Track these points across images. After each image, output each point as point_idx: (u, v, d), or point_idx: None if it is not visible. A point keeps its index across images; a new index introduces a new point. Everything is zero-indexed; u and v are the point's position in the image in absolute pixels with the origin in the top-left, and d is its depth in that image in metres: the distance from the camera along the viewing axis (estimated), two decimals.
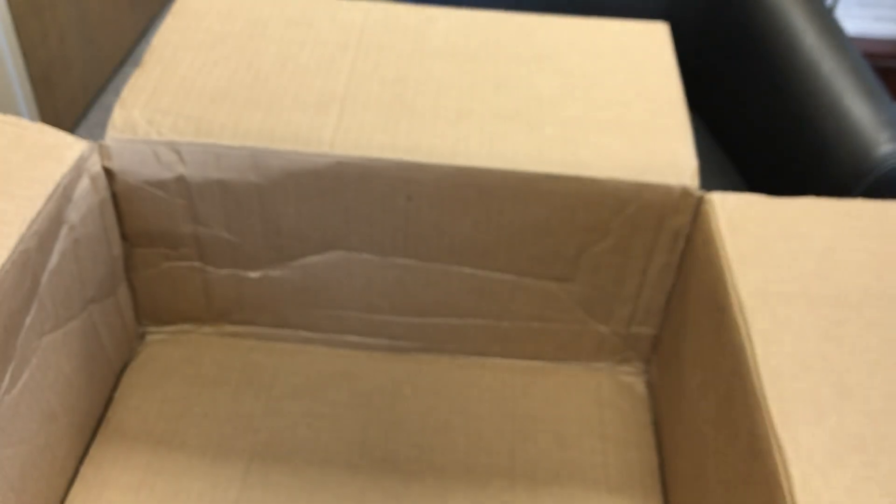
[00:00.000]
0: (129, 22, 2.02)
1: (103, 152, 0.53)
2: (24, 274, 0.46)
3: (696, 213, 0.54)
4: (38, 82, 1.72)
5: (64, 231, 0.50)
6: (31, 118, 1.71)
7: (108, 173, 0.54)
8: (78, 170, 0.51)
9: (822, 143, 0.87)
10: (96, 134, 1.94)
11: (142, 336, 0.64)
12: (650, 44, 0.64)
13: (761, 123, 1.00)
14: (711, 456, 0.47)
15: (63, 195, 0.50)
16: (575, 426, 0.61)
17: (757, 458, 0.39)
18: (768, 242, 0.48)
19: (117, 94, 2.10)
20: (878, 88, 0.86)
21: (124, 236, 0.58)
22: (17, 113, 1.66)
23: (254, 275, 0.60)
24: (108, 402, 0.59)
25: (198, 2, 0.64)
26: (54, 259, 0.50)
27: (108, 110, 2.11)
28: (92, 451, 0.56)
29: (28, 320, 0.48)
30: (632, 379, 0.64)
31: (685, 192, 0.53)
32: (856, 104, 0.85)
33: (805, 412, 0.39)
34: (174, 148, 0.53)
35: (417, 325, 0.63)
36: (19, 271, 0.46)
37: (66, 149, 0.51)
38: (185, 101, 0.55)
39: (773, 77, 0.97)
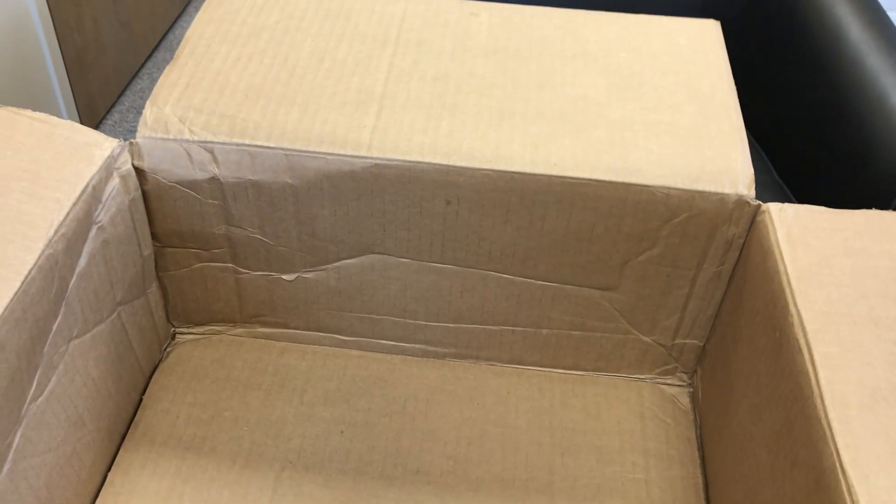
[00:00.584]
0: (162, 7, 2.01)
1: (134, 151, 0.52)
2: (51, 279, 0.45)
3: (751, 224, 0.52)
4: (73, 66, 1.72)
5: (93, 232, 0.49)
6: (66, 102, 1.71)
7: (139, 172, 0.53)
8: (108, 169, 0.50)
9: (865, 141, 0.83)
10: (129, 118, 1.94)
11: (172, 336, 0.62)
12: (701, 42, 0.61)
13: (802, 119, 0.96)
14: (767, 484, 0.44)
15: (92, 196, 0.48)
16: (616, 440, 0.58)
17: (822, 494, 0.37)
18: (830, 258, 0.46)
19: (151, 78, 2.11)
20: None
21: (155, 236, 0.56)
22: (51, 96, 1.66)
23: (287, 277, 0.59)
24: (137, 405, 0.58)
25: None
26: (83, 261, 0.48)
27: (141, 95, 2.11)
28: (120, 456, 0.55)
29: (55, 325, 0.46)
30: (675, 391, 0.62)
31: (740, 202, 0.51)
32: None
33: (876, 447, 0.36)
34: (207, 147, 0.51)
35: (453, 330, 0.61)
36: (46, 276, 0.44)
37: (95, 147, 0.49)
38: (218, 97, 0.53)
39: (815, 71, 0.94)
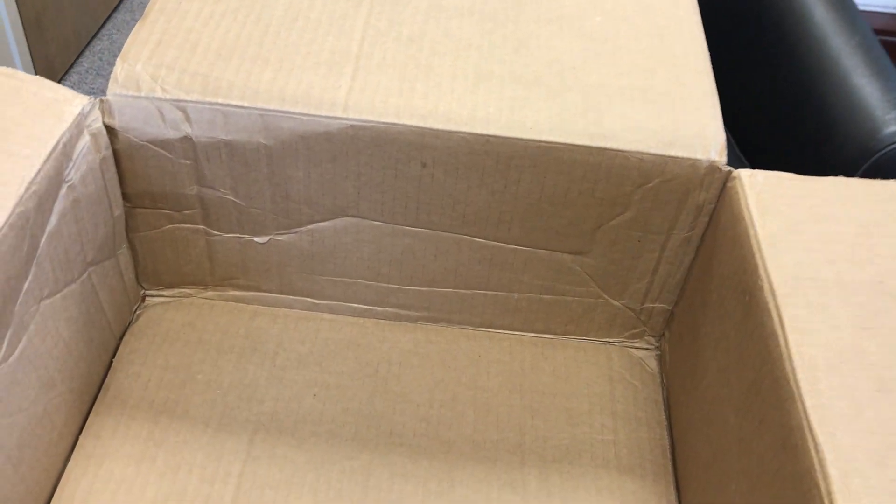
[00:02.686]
0: None
1: (104, 109, 0.51)
2: (23, 237, 0.44)
3: (721, 189, 0.52)
4: (30, 26, 1.68)
5: (63, 191, 0.48)
6: (23, 63, 1.66)
7: (110, 131, 0.52)
8: (78, 127, 0.49)
9: (828, 119, 0.85)
10: (88, 80, 1.89)
11: (142, 299, 0.62)
12: (675, 7, 0.61)
13: (765, 97, 0.97)
14: (734, 444, 0.45)
15: (63, 153, 0.47)
16: (585, 402, 0.59)
17: (789, 452, 0.38)
18: (800, 224, 0.47)
19: (110, 40, 2.05)
20: (888, 66, 0.84)
21: (126, 196, 0.55)
22: (8, 57, 1.61)
23: (260, 240, 0.58)
24: (108, 368, 0.57)
25: None
26: (53, 220, 0.48)
27: (100, 56, 2.05)
28: (91, 419, 0.54)
29: (26, 285, 0.46)
30: (643, 354, 0.63)
31: (712, 167, 0.51)
32: (864, 82, 0.83)
33: (841, 407, 0.38)
34: (180, 106, 0.51)
35: (426, 294, 0.61)
36: (17, 234, 0.44)
37: (65, 104, 0.49)
38: (191, 55, 0.52)
39: (780, 49, 0.94)
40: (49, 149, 0.46)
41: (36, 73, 1.83)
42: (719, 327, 0.51)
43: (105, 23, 1.93)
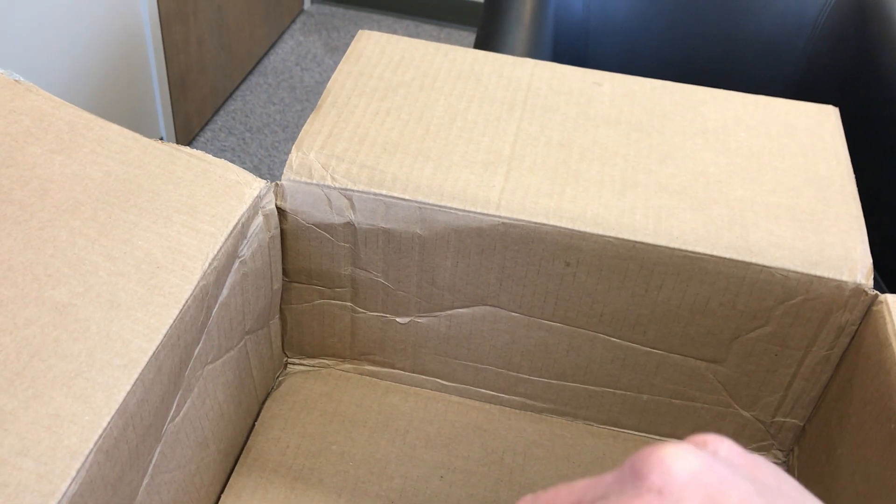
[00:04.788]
0: (261, 33, 2.09)
1: (278, 192, 0.55)
2: (201, 308, 0.48)
3: (865, 312, 0.53)
4: (175, 85, 1.80)
5: (236, 265, 0.52)
6: (165, 118, 1.78)
7: (280, 212, 0.56)
8: (255, 208, 0.53)
9: None
10: (221, 137, 2.00)
11: (284, 366, 0.65)
12: (819, 128, 0.62)
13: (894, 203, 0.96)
14: None
15: (240, 232, 0.52)
16: None
17: None
18: None
19: (244, 100, 2.17)
20: None
21: (285, 272, 0.59)
22: (153, 113, 1.73)
23: (401, 320, 0.61)
24: (250, 430, 0.61)
25: (370, 49, 0.65)
26: (225, 292, 0.51)
27: (233, 115, 2.17)
28: (232, 479, 0.57)
29: (196, 351, 0.49)
30: None
31: (858, 290, 0.52)
32: None
33: None
34: (346, 194, 0.54)
35: (554, 387, 0.63)
36: (198, 306, 0.48)
37: (245, 187, 0.53)
38: (358, 148, 0.56)
39: None
40: (230, 227, 0.50)
41: (175, 129, 1.95)
42: (859, 451, 0.50)
43: (240, 84, 2.05)
